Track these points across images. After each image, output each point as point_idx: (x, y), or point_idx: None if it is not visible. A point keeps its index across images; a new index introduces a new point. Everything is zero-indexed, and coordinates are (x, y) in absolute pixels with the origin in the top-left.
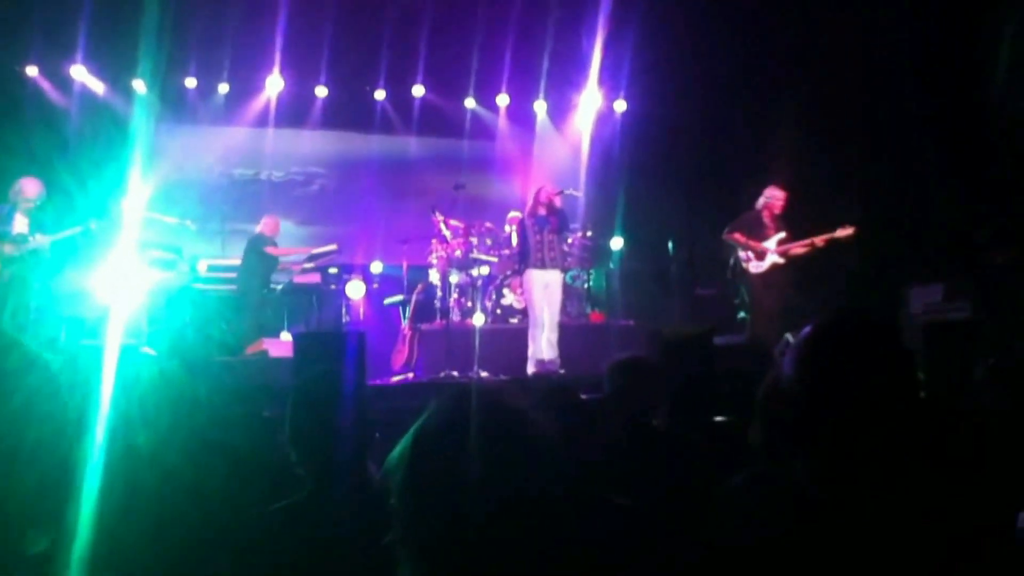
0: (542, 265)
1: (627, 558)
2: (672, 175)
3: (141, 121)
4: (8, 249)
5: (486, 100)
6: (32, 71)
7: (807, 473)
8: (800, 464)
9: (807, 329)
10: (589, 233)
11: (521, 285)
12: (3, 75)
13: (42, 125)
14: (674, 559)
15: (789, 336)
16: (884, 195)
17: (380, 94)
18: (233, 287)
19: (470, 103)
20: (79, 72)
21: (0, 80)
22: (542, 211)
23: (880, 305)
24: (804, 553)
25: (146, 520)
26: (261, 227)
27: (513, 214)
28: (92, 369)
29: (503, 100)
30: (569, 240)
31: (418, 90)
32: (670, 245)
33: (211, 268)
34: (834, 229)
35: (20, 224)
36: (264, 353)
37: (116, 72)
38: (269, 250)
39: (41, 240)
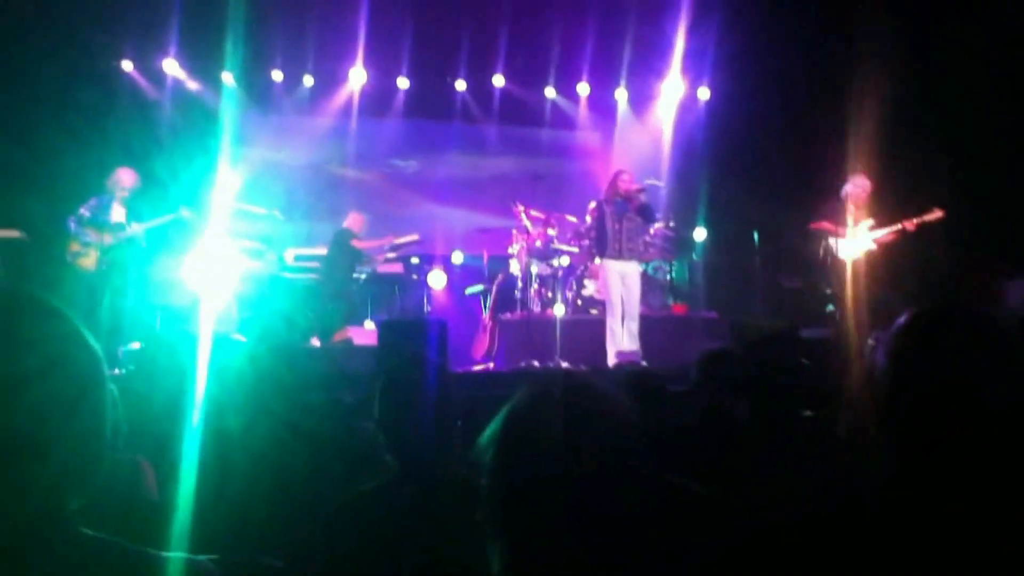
0: (619, 255)
1: (708, 549)
2: (756, 164)
3: (229, 113)
4: (107, 238)
5: (567, 89)
6: (127, 66)
7: (897, 469)
8: (889, 460)
9: (903, 319)
10: (671, 224)
11: (598, 274)
12: (100, 70)
13: (137, 118)
14: (755, 553)
15: (877, 332)
16: (977, 185)
17: (461, 84)
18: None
19: (550, 92)
20: (171, 66)
21: (97, 75)
22: (621, 199)
23: (973, 300)
24: (883, 552)
25: (238, 499)
26: (349, 222)
27: (594, 204)
28: (186, 355)
29: (584, 89)
30: (651, 231)
31: (498, 80)
32: (755, 236)
33: (298, 258)
34: (923, 214)
35: (117, 213)
36: (348, 341)
37: (206, 66)
38: (355, 243)
39: (137, 228)
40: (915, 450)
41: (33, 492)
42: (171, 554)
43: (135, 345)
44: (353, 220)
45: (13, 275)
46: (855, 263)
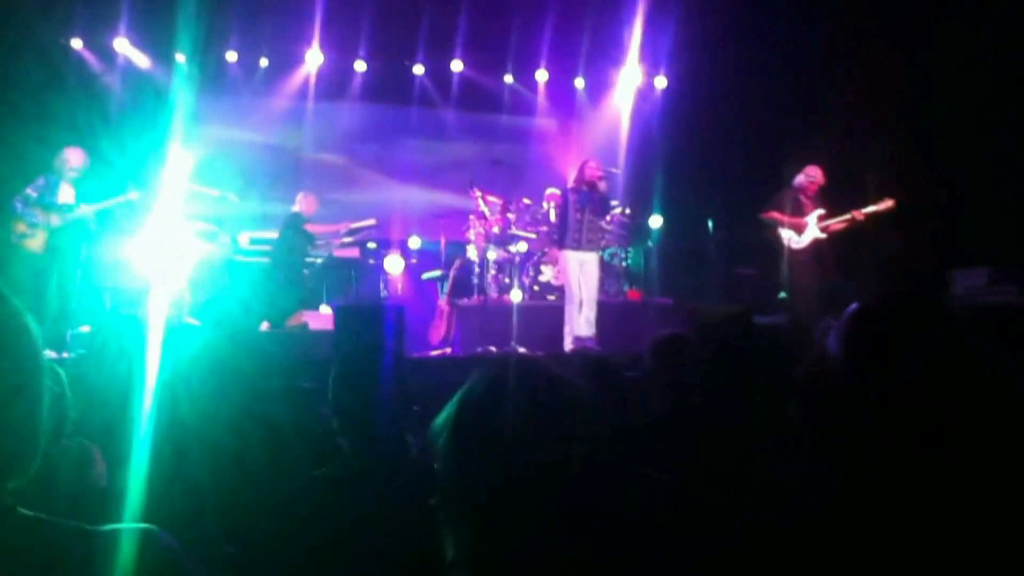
0: (578, 246)
1: (663, 532)
2: (712, 153)
3: (183, 94)
4: (55, 220)
5: (525, 76)
6: (77, 44)
7: (848, 455)
8: (841, 445)
9: (854, 307)
10: (627, 211)
11: (557, 260)
12: (48, 48)
13: (86, 97)
14: (711, 536)
15: (828, 318)
16: (925, 176)
17: (419, 69)
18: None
19: (509, 78)
20: (122, 45)
21: (46, 52)
22: (586, 188)
23: (920, 288)
24: (843, 536)
25: (193, 485)
26: (299, 206)
27: (551, 190)
28: (137, 340)
29: (542, 76)
30: (608, 218)
31: (457, 65)
32: (709, 223)
33: (253, 241)
34: (874, 203)
35: (65, 194)
36: (304, 325)
37: (158, 45)
38: (309, 227)
39: (86, 210)
40: (868, 436)
41: None
42: (112, 526)
43: (84, 329)
44: (305, 202)
45: None
46: (805, 251)
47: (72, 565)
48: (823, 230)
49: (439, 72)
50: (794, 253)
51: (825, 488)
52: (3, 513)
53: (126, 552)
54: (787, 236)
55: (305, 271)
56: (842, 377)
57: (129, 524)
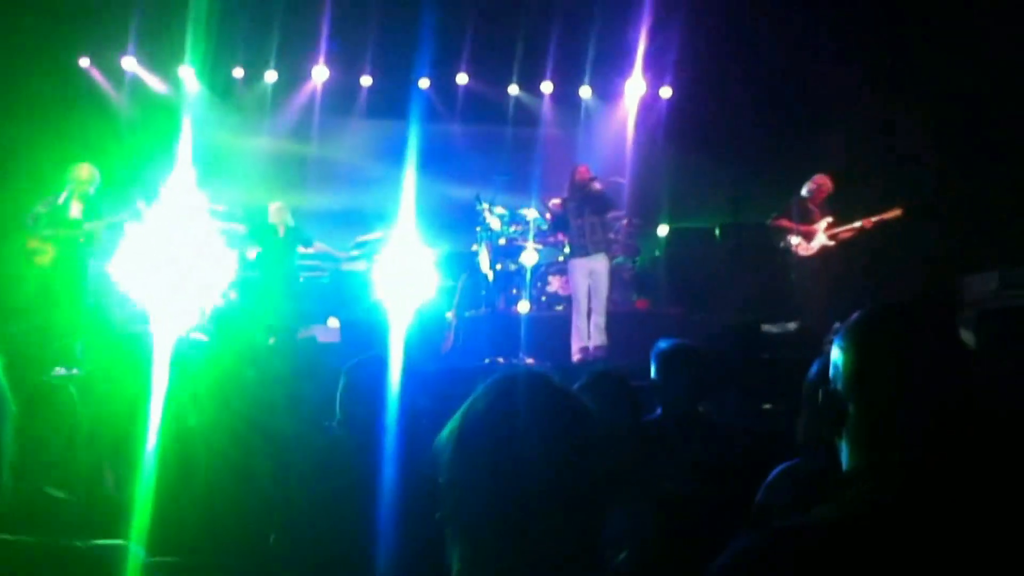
0: (584, 252)
1: (671, 543)
2: (718, 161)
3: (190, 110)
4: (64, 235)
5: (530, 87)
6: (84, 62)
7: (854, 463)
8: (846, 453)
9: (858, 315)
10: (634, 220)
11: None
12: (58, 66)
13: (95, 114)
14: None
15: (838, 324)
16: (935, 181)
17: (424, 83)
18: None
19: (514, 90)
20: (130, 63)
21: (55, 71)
22: (579, 194)
23: (932, 293)
24: (846, 547)
25: (199, 497)
26: (272, 218)
27: (555, 201)
28: (145, 354)
29: (547, 87)
30: (615, 226)
31: (462, 78)
32: (717, 232)
33: (259, 255)
34: (882, 212)
35: (76, 209)
36: (312, 339)
37: (166, 62)
38: (319, 245)
39: (96, 225)
40: (868, 446)
41: None
42: (81, 543)
43: (93, 344)
44: (274, 214)
45: None
46: (814, 259)
47: None
48: (831, 238)
49: (444, 85)
50: (803, 261)
51: (832, 497)
52: None
53: (99, 567)
54: (796, 243)
55: (301, 279)
56: (847, 386)
57: (103, 541)
